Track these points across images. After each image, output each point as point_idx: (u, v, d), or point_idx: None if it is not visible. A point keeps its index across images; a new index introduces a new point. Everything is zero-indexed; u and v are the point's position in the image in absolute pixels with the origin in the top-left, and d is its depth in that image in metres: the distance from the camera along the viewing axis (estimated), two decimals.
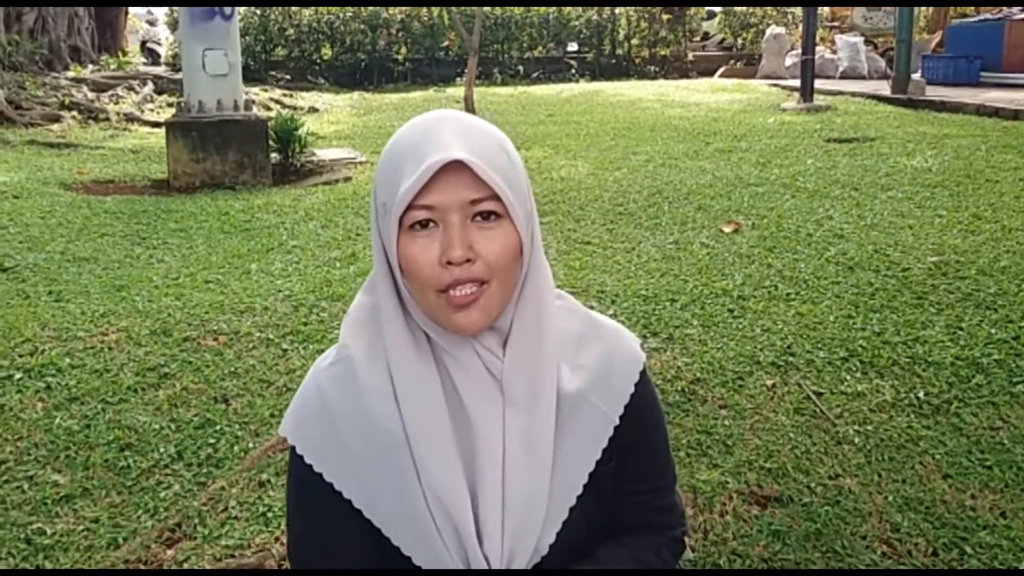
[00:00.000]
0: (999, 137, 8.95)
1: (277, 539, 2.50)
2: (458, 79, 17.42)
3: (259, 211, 6.56)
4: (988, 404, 3.20)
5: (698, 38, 22.54)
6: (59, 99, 12.20)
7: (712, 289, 4.38)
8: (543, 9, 19.92)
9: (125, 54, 18.07)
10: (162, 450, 2.98)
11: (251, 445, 3.02)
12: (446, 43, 19.19)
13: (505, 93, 15.73)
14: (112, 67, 16.06)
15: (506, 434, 1.13)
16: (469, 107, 11.83)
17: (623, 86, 16.79)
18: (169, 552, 2.48)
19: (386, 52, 18.84)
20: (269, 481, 2.80)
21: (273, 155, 8.31)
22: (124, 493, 2.76)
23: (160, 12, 21.17)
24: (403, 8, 18.73)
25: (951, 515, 2.58)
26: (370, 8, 18.56)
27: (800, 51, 13.74)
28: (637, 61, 20.82)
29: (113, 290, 4.56)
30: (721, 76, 19.11)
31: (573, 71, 19.93)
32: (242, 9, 16.74)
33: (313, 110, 13.52)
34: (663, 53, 20.92)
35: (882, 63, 17.61)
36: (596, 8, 20.32)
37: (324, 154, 9.02)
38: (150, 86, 14.09)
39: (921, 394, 3.28)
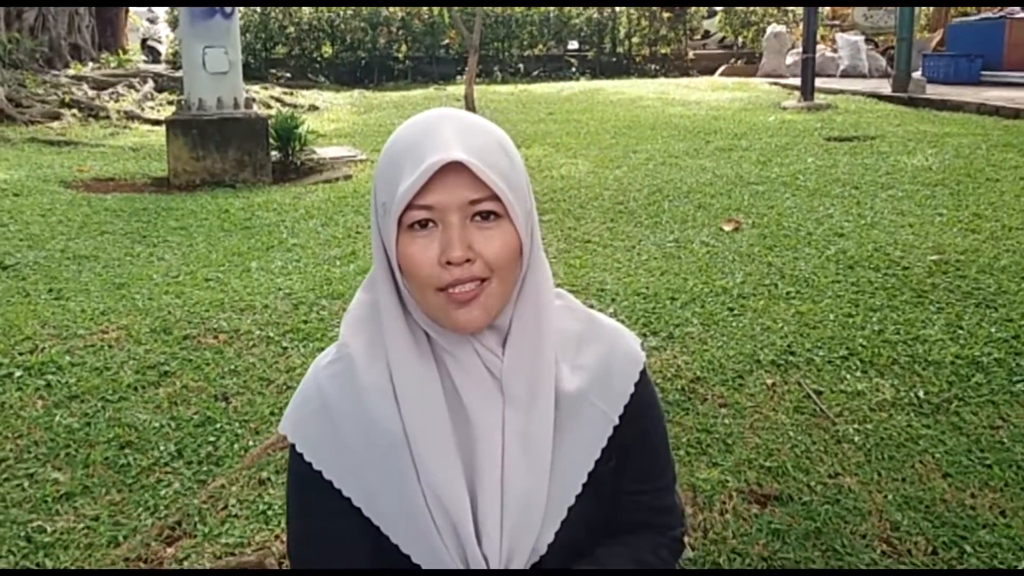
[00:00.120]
0: (999, 136, 8.95)
1: (277, 537, 2.51)
2: (458, 77, 17.42)
3: (259, 209, 6.56)
4: (988, 403, 3.20)
5: (699, 36, 22.53)
6: (59, 97, 12.20)
7: (712, 287, 4.38)
8: (544, 7, 19.91)
9: (125, 52, 18.07)
10: (162, 448, 2.99)
11: (251, 443, 3.02)
12: (446, 41, 19.20)
13: (505, 91, 15.72)
14: (112, 65, 16.07)
15: (505, 433, 1.13)
16: (469, 105, 11.83)
17: (623, 84, 16.78)
18: (169, 550, 2.48)
19: (386, 50, 18.85)
20: (269, 479, 2.80)
21: (273, 153, 8.31)
22: (124, 491, 2.76)
23: (160, 10, 21.20)
24: (403, 6, 18.73)
25: (951, 514, 2.58)
26: (370, 6, 18.55)
27: (801, 49, 13.73)
28: (638, 59, 20.82)
29: (113, 288, 4.56)
30: (722, 74, 19.10)
31: (573, 69, 19.93)
32: (242, 7, 16.74)
33: (313, 108, 13.52)
34: (664, 51, 20.92)
35: (883, 61, 17.60)
36: (597, 6, 20.31)
37: (324, 152, 9.02)
38: (150, 84, 14.09)
39: (921, 393, 3.28)
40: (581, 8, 20.24)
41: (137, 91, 13.52)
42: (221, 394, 3.36)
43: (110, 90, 13.25)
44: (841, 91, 13.86)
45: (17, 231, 5.77)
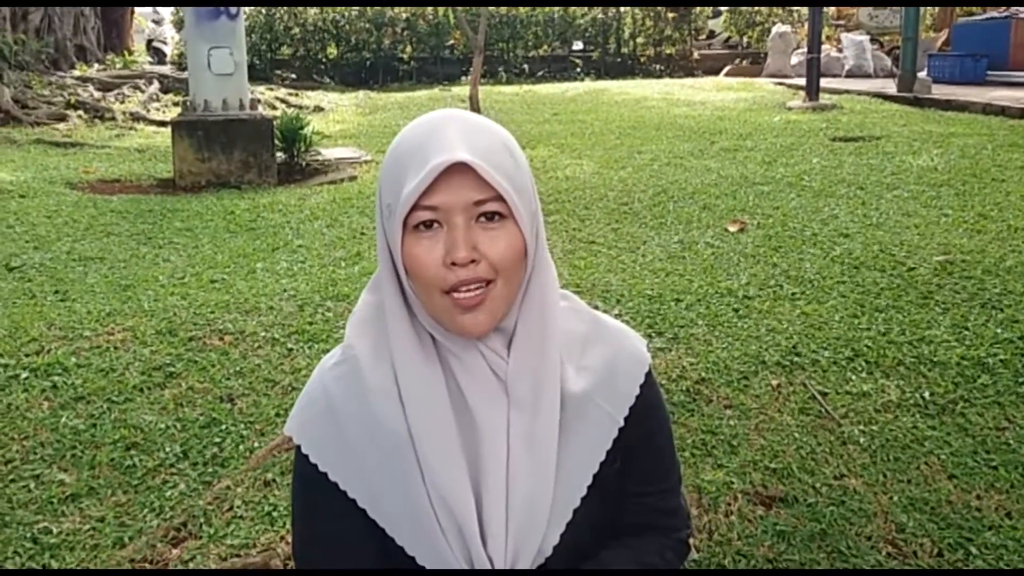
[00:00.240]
0: (1005, 136, 8.93)
1: (282, 538, 2.51)
2: (463, 78, 17.42)
3: (264, 210, 6.57)
4: (994, 404, 3.20)
5: (703, 36, 22.52)
6: (65, 98, 12.23)
7: (717, 289, 4.38)
8: (548, 8, 19.91)
9: (131, 53, 18.10)
10: (168, 449, 2.99)
11: (256, 444, 3.03)
12: (451, 42, 19.21)
13: (510, 92, 15.72)
14: (118, 66, 16.10)
15: (510, 435, 1.13)
16: (474, 106, 11.84)
17: (628, 85, 16.77)
18: (175, 551, 2.49)
19: (391, 51, 18.86)
20: (274, 480, 2.80)
21: (278, 154, 8.32)
22: (130, 492, 2.77)
23: (166, 11, 21.24)
24: (408, 7, 18.75)
25: (956, 515, 2.57)
26: (375, 7, 18.57)
27: (806, 49, 13.70)
28: (642, 60, 20.81)
29: (119, 289, 4.58)
30: (726, 75, 19.07)
31: (578, 70, 19.92)
32: (248, 8, 16.77)
33: (318, 109, 13.54)
34: (668, 52, 20.89)
35: (888, 61, 17.57)
36: (601, 7, 20.30)
37: (329, 153, 9.03)
38: (156, 85, 14.12)
39: (927, 394, 3.27)
40: (586, 8, 20.24)
41: (143, 92, 13.55)
42: (227, 395, 3.37)
43: (116, 91, 13.28)
44: (846, 91, 13.84)
45: (23, 232, 5.78)
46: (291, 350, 3.76)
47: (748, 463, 2.87)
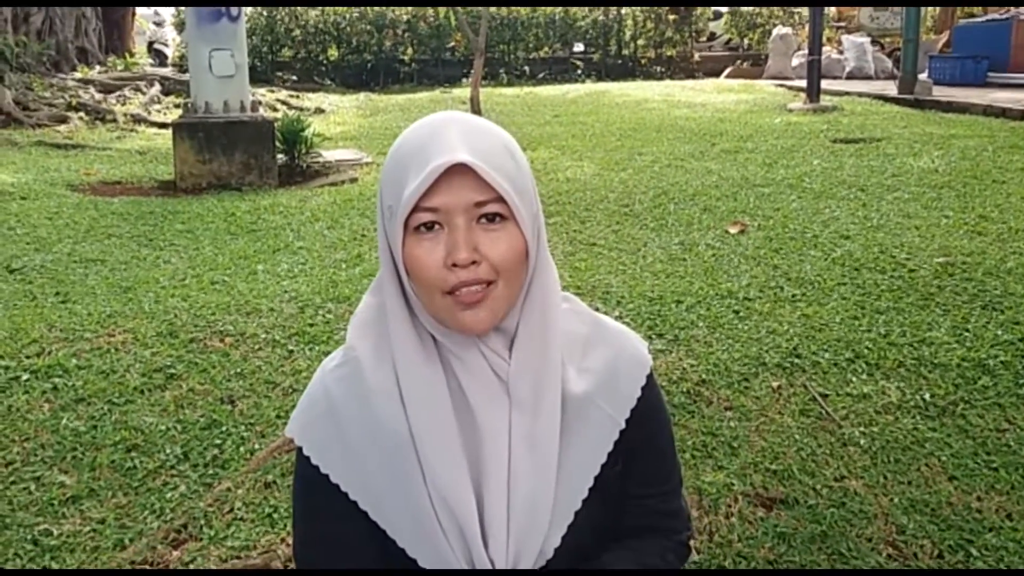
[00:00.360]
0: (1006, 137, 8.93)
1: (283, 540, 2.51)
2: (464, 80, 17.44)
3: (265, 212, 6.57)
4: (994, 406, 3.20)
5: (704, 38, 22.53)
6: (66, 100, 12.24)
7: (718, 290, 4.38)
8: (549, 9, 19.93)
9: (132, 55, 18.12)
10: (168, 451, 2.99)
11: (257, 446, 3.03)
12: (452, 44, 19.23)
13: (511, 94, 15.73)
14: (119, 68, 16.11)
15: (512, 436, 1.13)
16: (475, 108, 11.84)
17: (629, 86, 16.78)
18: (175, 553, 2.49)
19: (392, 53, 18.88)
20: (275, 482, 2.80)
21: (279, 156, 8.33)
22: (130, 494, 2.77)
23: (167, 13, 21.24)
24: (409, 9, 18.77)
25: (957, 517, 2.57)
26: (376, 9, 18.59)
27: (806, 51, 13.71)
28: (643, 61, 20.82)
29: (120, 291, 4.58)
30: (727, 76, 19.09)
31: (579, 71, 19.94)
32: (248, 10, 16.79)
33: (319, 111, 13.55)
34: (669, 53, 20.91)
35: (889, 63, 17.59)
36: (602, 8, 20.31)
37: (330, 155, 9.03)
38: (157, 87, 14.13)
39: (927, 396, 3.27)
40: (587, 10, 20.25)
41: (144, 94, 13.56)
42: (227, 397, 3.37)
43: (117, 93, 13.30)
44: (847, 93, 13.85)
45: (24, 234, 5.79)
46: (292, 352, 3.76)
47: (748, 465, 2.87)
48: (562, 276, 4.44)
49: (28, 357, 3.66)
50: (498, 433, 1.13)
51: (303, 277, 4.80)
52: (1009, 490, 2.70)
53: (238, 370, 3.58)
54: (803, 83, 13.33)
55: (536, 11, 19.82)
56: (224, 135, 7.87)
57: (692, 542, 1.32)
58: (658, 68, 20.54)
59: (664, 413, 1.30)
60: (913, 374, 3.45)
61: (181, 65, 16.58)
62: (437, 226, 1.07)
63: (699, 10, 21.39)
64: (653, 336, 3.84)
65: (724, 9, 22.19)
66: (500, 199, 1.06)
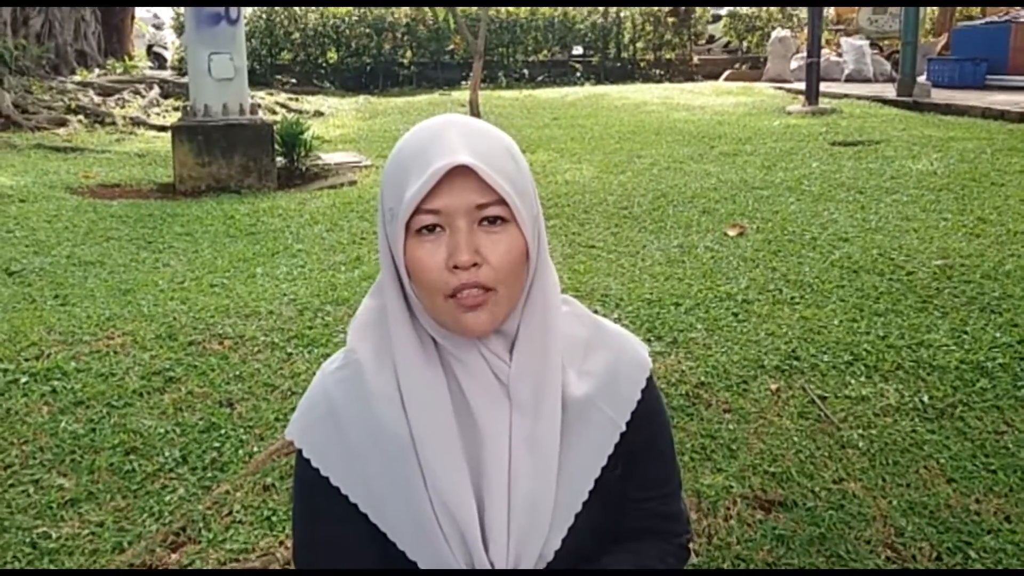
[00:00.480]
0: (1005, 140, 8.94)
1: (281, 543, 2.51)
2: (463, 83, 17.44)
3: (264, 215, 6.57)
4: (993, 408, 3.20)
5: (703, 41, 22.53)
6: (65, 103, 12.25)
7: (716, 293, 4.38)
8: (548, 12, 19.94)
9: (131, 58, 18.11)
10: (167, 454, 2.99)
11: (256, 449, 3.03)
12: (451, 47, 19.22)
13: (510, 96, 15.75)
14: (118, 71, 16.12)
15: (512, 439, 1.13)
16: (474, 111, 11.85)
17: (628, 89, 16.79)
18: (174, 556, 2.49)
19: (391, 56, 18.88)
20: (274, 485, 2.80)
21: (278, 159, 8.33)
22: (129, 497, 2.77)
23: (166, 16, 21.26)
24: (408, 12, 18.78)
25: (955, 519, 2.58)
26: (375, 12, 18.59)
27: (805, 54, 13.73)
28: (642, 64, 20.83)
29: (119, 294, 4.58)
30: (726, 79, 19.10)
31: (578, 74, 19.94)
32: (248, 13, 16.80)
33: (318, 114, 13.55)
34: (668, 56, 20.93)
35: (887, 66, 17.59)
36: (601, 11, 20.33)
37: (329, 158, 9.03)
38: (156, 90, 14.14)
39: (926, 398, 3.28)
40: (585, 13, 20.27)
41: (143, 97, 13.57)
42: (226, 400, 3.37)
43: (116, 96, 13.30)
44: (846, 95, 13.86)
45: (23, 237, 5.79)
46: (291, 354, 3.76)
47: (747, 467, 2.87)
48: (561, 278, 4.42)
49: (27, 360, 3.66)
50: (499, 436, 1.13)
51: (302, 280, 4.80)
52: (1007, 492, 2.71)
53: (237, 373, 3.58)
54: (802, 86, 13.34)
55: (535, 14, 19.82)
56: (223, 138, 7.87)
57: (691, 544, 1.32)
58: (657, 71, 20.54)
59: (664, 416, 1.30)
60: (912, 376, 3.45)
61: (180, 68, 16.57)
62: (438, 228, 1.07)
63: (698, 13, 21.40)
64: (652, 338, 3.84)
65: (723, 12, 22.19)
66: (501, 201, 1.07)
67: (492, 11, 18.10)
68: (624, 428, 1.20)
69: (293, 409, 1.20)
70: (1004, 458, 2.89)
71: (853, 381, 3.43)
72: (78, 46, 16.51)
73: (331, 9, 18.63)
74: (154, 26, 22.25)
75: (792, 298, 4.29)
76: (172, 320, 4.10)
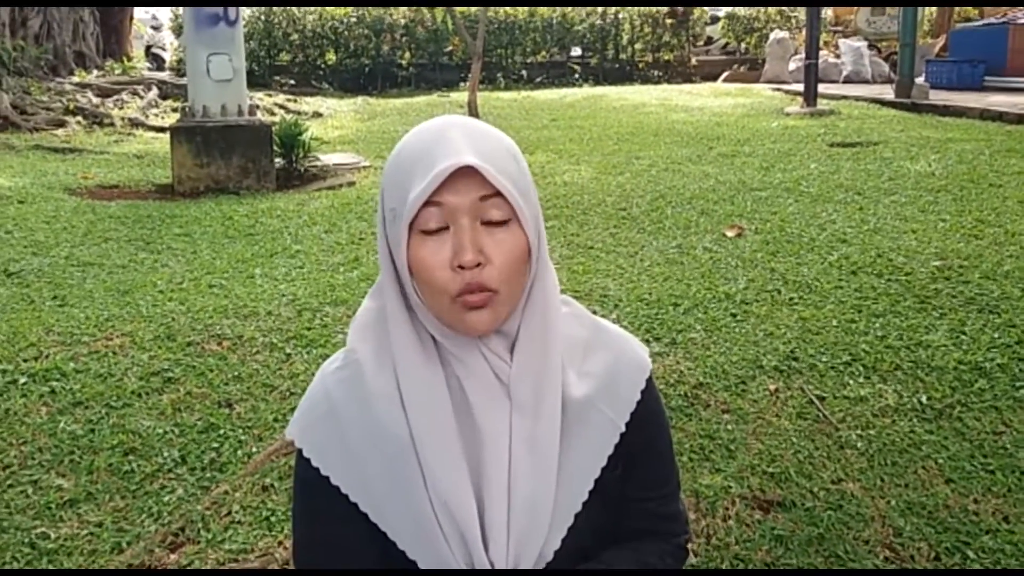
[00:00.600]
0: (1003, 141, 8.94)
1: (280, 543, 2.51)
2: (462, 84, 17.45)
3: (263, 216, 6.57)
4: (991, 408, 3.20)
5: (702, 43, 22.55)
6: (64, 104, 12.24)
7: (715, 293, 4.39)
8: (547, 13, 19.95)
9: (130, 59, 18.10)
10: (166, 454, 2.99)
11: (254, 449, 3.03)
12: (450, 48, 19.23)
13: (509, 98, 15.75)
14: (117, 72, 16.11)
15: (512, 439, 1.13)
16: (473, 112, 11.85)
17: (626, 91, 16.80)
18: (172, 556, 2.49)
19: (390, 57, 18.89)
20: (272, 485, 2.80)
21: (277, 160, 8.33)
22: (128, 497, 2.77)
23: (165, 17, 21.25)
24: (407, 13, 18.78)
25: (954, 520, 2.58)
26: (374, 13, 18.60)
27: (804, 55, 13.73)
28: (641, 65, 20.84)
29: (117, 295, 4.58)
30: (724, 80, 19.11)
31: (577, 76, 19.96)
32: (246, 14, 16.79)
33: (317, 115, 13.55)
34: (666, 58, 20.94)
35: (886, 67, 17.61)
36: (600, 12, 20.34)
37: (328, 159, 9.04)
38: (154, 91, 14.13)
39: (924, 398, 3.28)
40: (584, 14, 20.28)
41: (141, 98, 13.56)
42: (225, 400, 3.37)
43: (114, 97, 13.29)
44: (844, 97, 13.87)
45: (22, 238, 5.79)
46: (289, 355, 3.76)
47: (746, 467, 2.87)
48: (560, 279, 4.42)
49: (26, 361, 3.66)
50: (499, 436, 1.13)
51: (301, 281, 4.80)
52: (1006, 492, 2.71)
53: (236, 373, 3.58)
54: (800, 87, 13.35)
55: (534, 15, 19.83)
56: (222, 139, 7.87)
57: (690, 545, 1.33)
58: (655, 72, 20.56)
59: (663, 417, 1.31)
60: (910, 377, 3.45)
61: (179, 69, 16.57)
62: (442, 228, 1.07)
63: (696, 14, 21.42)
64: (651, 339, 3.85)
65: (721, 13, 22.21)
66: (504, 201, 1.07)
67: (491, 12, 18.12)
68: (624, 429, 1.20)
69: (292, 410, 1.20)
70: (1002, 458, 2.89)
71: (851, 381, 3.44)
72: (76, 47, 16.49)
73: (330, 10, 18.64)
74: (152, 27, 22.25)
75: (791, 299, 4.30)
76: (171, 321, 4.10)
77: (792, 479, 2.80)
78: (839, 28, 21.37)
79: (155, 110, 13.20)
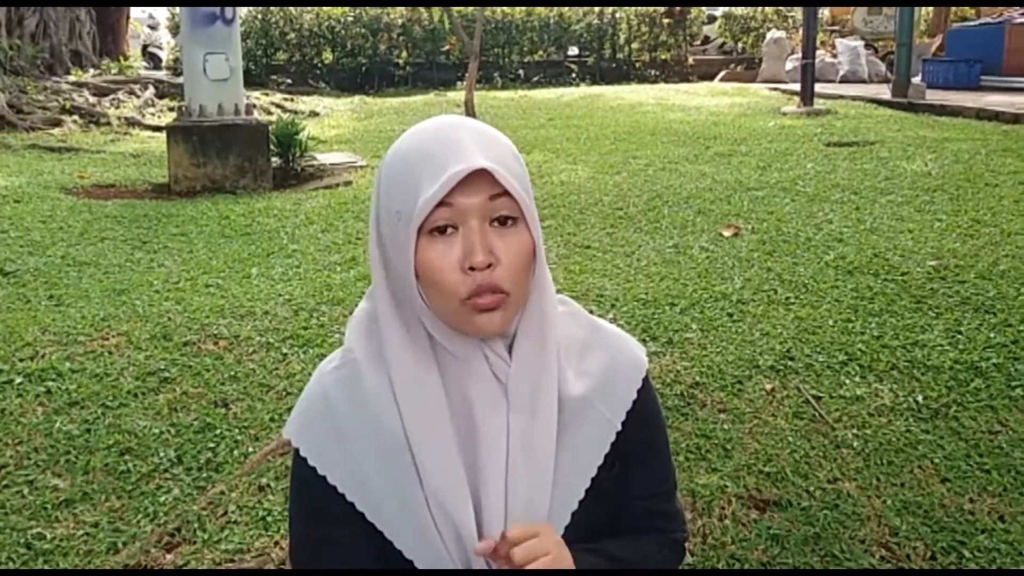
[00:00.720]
0: (999, 141, 8.96)
1: (277, 543, 2.51)
2: (459, 83, 17.45)
3: (260, 215, 6.56)
4: (987, 408, 3.21)
5: (698, 42, 22.56)
6: (60, 103, 12.21)
7: (711, 293, 4.39)
8: (544, 13, 19.94)
9: (126, 58, 18.07)
10: (162, 454, 2.99)
11: (251, 449, 3.03)
12: (447, 47, 19.22)
13: (505, 97, 15.75)
14: (113, 71, 16.08)
15: (510, 438, 1.14)
16: (470, 111, 11.85)
17: (623, 90, 16.80)
18: (168, 556, 2.49)
19: (387, 56, 18.87)
20: (269, 485, 2.80)
21: (274, 159, 8.32)
22: (124, 497, 2.76)
23: (161, 16, 21.22)
24: (404, 12, 18.77)
25: (949, 519, 2.58)
26: (371, 12, 18.58)
27: (800, 55, 13.75)
28: (638, 65, 20.84)
29: (113, 294, 4.57)
30: (721, 80, 19.12)
31: (574, 75, 19.96)
32: (243, 13, 16.78)
33: (314, 114, 13.53)
34: (664, 57, 20.95)
35: (882, 67, 17.63)
36: (597, 12, 20.34)
37: (325, 158, 9.03)
38: (151, 90, 14.11)
39: (920, 398, 3.28)
40: (581, 14, 20.28)
41: (138, 97, 13.54)
42: (221, 400, 3.36)
43: (111, 96, 13.27)
44: (841, 96, 13.89)
45: (18, 237, 5.78)
46: (286, 355, 3.76)
47: (742, 467, 2.87)
48: (556, 279, 4.44)
49: (21, 360, 3.65)
50: (496, 435, 1.13)
51: (297, 280, 4.80)
52: (1001, 492, 2.71)
53: (232, 373, 3.58)
54: (797, 87, 13.36)
55: (531, 14, 19.83)
56: (218, 138, 7.86)
57: (687, 544, 1.33)
58: (652, 72, 20.56)
59: (659, 416, 1.31)
60: (906, 376, 3.46)
61: (175, 68, 16.53)
62: (450, 229, 1.07)
63: (693, 14, 21.43)
64: (647, 339, 3.85)
65: (718, 12, 22.22)
66: (511, 200, 1.08)
67: (488, 11, 18.11)
68: (620, 427, 1.21)
69: (288, 409, 1.20)
70: (998, 458, 2.90)
71: (848, 381, 3.44)
72: (73, 46, 16.46)
73: (327, 9, 18.62)
74: (149, 26, 22.24)
75: (787, 298, 4.30)
76: (167, 320, 4.09)
77: (788, 478, 2.81)
78: (836, 28, 21.41)
79: (151, 109, 13.19)
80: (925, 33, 19.73)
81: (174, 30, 17.99)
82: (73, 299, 4.49)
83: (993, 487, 2.74)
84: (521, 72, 19.74)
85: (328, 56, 18.75)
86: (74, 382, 3.47)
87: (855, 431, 3.08)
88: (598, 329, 1.27)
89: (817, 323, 3.97)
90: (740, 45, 21.82)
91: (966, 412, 3.18)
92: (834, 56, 18.18)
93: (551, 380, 1.16)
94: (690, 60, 21.16)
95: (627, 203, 6.55)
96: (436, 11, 18.51)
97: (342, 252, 5.41)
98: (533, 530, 1.08)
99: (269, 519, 2.63)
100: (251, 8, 18.01)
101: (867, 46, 18.36)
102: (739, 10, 21.53)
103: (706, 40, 22.80)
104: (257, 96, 14.01)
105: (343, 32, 18.57)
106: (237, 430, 3.15)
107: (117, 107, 12.80)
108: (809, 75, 12.49)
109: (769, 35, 19.08)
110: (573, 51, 20.88)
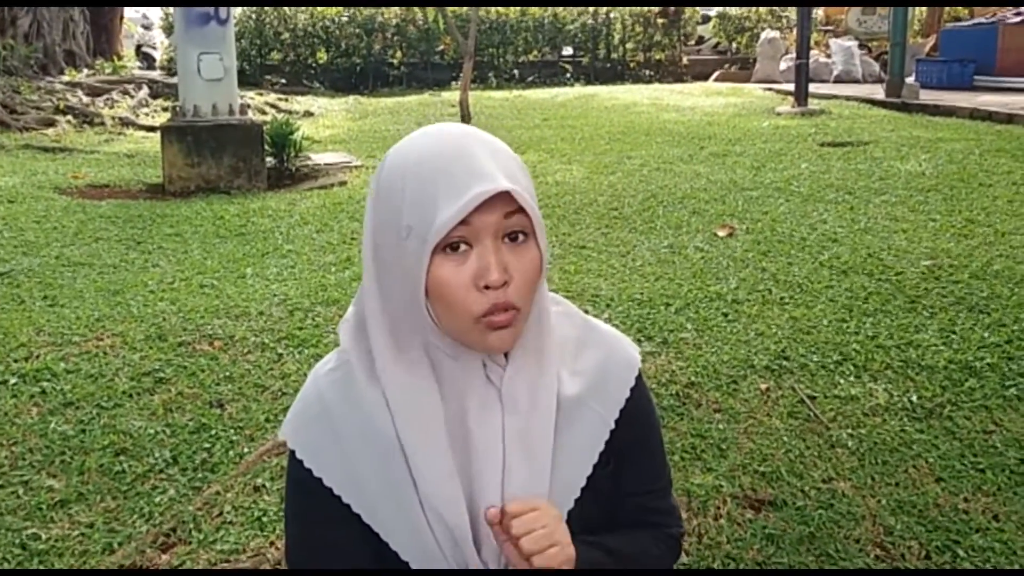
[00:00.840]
0: (992, 141, 8.98)
1: (272, 543, 2.51)
2: (453, 83, 17.44)
3: (254, 215, 6.55)
4: (981, 408, 3.22)
5: (693, 42, 22.58)
6: (54, 103, 12.18)
7: (706, 293, 4.39)
8: (538, 13, 19.94)
9: (120, 58, 18.03)
10: (157, 455, 2.99)
11: (246, 450, 3.02)
12: (441, 47, 19.21)
13: (500, 97, 15.75)
14: (107, 71, 16.04)
15: (506, 440, 1.14)
16: (464, 111, 11.83)
17: (618, 90, 16.81)
18: (164, 557, 2.48)
19: (381, 56, 18.85)
20: (264, 486, 2.80)
21: (268, 159, 8.30)
22: (119, 498, 2.76)
23: (155, 16, 21.17)
24: (398, 12, 18.76)
25: (944, 518, 2.59)
26: (365, 12, 18.57)
27: (794, 55, 13.77)
28: (632, 65, 20.85)
29: (108, 295, 4.56)
30: (716, 80, 19.14)
31: (568, 75, 19.96)
32: (237, 13, 16.76)
33: (308, 114, 13.51)
34: (658, 57, 20.96)
35: (876, 67, 17.67)
36: (591, 12, 20.35)
37: (319, 158, 9.01)
38: (145, 90, 14.07)
39: (914, 398, 3.29)
40: (575, 14, 20.28)
41: (132, 97, 13.51)
42: (216, 401, 3.36)
43: (105, 96, 13.24)
44: (835, 96, 13.90)
45: (11, 238, 5.76)
46: (281, 355, 3.76)
47: (737, 467, 2.88)
48: (551, 279, 4.45)
49: (16, 361, 3.64)
50: (492, 437, 1.14)
51: (292, 280, 4.79)
52: (996, 491, 2.72)
53: (227, 374, 3.58)
54: (791, 87, 13.38)
55: (525, 14, 19.82)
56: (213, 138, 7.84)
57: (682, 541, 1.34)
58: (647, 72, 20.57)
59: (653, 414, 1.32)
60: (900, 376, 3.47)
61: (169, 68, 16.51)
62: (463, 246, 1.06)
63: (688, 14, 21.45)
64: (642, 339, 3.85)
65: (713, 12, 22.25)
66: (524, 216, 1.07)
67: (482, 12, 18.10)
68: (613, 425, 1.22)
69: (284, 410, 1.20)
70: (992, 457, 2.91)
71: (842, 381, 3.45)
72: (66, 46, 16.42)
73: (321, 9, 18.59)
74: (143, 26, 22.17)
75: (782, 298, 4.31)
76: (162, 321, 4.09)
77: (783, 478, 2.81)
78: (830, 28, 21.43)
79: (145, 109, 13.15)
80: (919, 33, 19.77)
81: (168, 30, 17.98)
82: (67, 299, 4.48)
83: (987, 486, 2.75)
84: (516, 72, 19.74)
85: (322, 56, 18.73)
86: (69, 382, 3.46)
87: (850, 431, 3.09)
88: (591, 328, 1.28)
89: (812, 323, 3.98)
90: (734, 45, 21.84)
91: (960, 412, 3.19)
92: (828, 56, 18.21)
93: (550, 381, 1.17)
94: (684, 60, 21.17)
95: (622, 203, 6.56)
96: (430, 11, 18.46)
97: (337, 252, 5.41)
98: (532, 504, 1.10)
99: (265, 519, 2.63)
100: (245, 8, 17.99)
101: (861, 46, 18.39)
102: (733, 10, 21.56)
103: (700, 40, 22.82)
104: (251, 96, 13.99)
105: (337, 32, 18.54)
106: (232, 430, 3.15)
107: (111, 107, 12.76)
108: (803, 75, 12.50)
109: (763, 35, 19.10)
110: (567, 51, 20.87)
